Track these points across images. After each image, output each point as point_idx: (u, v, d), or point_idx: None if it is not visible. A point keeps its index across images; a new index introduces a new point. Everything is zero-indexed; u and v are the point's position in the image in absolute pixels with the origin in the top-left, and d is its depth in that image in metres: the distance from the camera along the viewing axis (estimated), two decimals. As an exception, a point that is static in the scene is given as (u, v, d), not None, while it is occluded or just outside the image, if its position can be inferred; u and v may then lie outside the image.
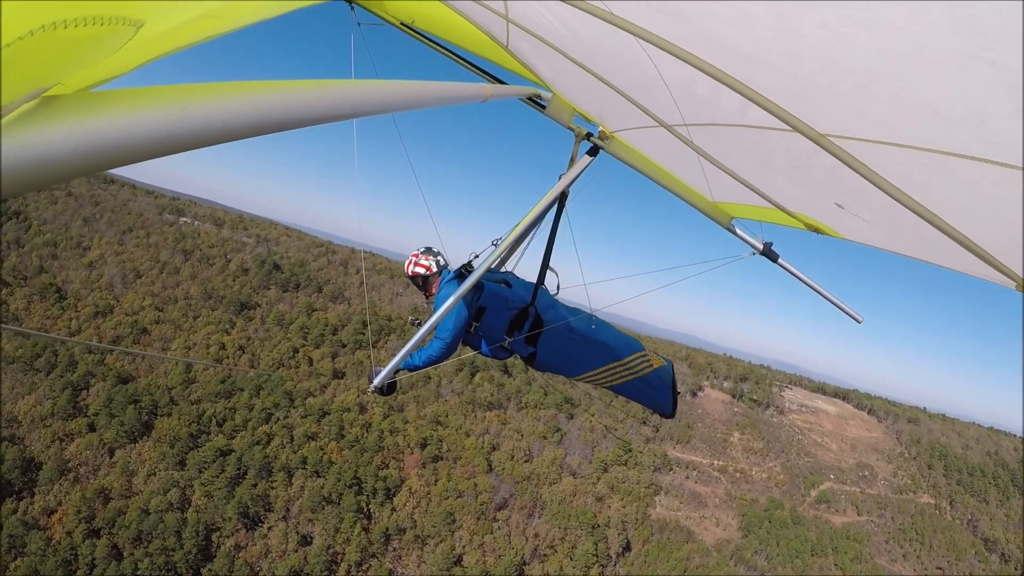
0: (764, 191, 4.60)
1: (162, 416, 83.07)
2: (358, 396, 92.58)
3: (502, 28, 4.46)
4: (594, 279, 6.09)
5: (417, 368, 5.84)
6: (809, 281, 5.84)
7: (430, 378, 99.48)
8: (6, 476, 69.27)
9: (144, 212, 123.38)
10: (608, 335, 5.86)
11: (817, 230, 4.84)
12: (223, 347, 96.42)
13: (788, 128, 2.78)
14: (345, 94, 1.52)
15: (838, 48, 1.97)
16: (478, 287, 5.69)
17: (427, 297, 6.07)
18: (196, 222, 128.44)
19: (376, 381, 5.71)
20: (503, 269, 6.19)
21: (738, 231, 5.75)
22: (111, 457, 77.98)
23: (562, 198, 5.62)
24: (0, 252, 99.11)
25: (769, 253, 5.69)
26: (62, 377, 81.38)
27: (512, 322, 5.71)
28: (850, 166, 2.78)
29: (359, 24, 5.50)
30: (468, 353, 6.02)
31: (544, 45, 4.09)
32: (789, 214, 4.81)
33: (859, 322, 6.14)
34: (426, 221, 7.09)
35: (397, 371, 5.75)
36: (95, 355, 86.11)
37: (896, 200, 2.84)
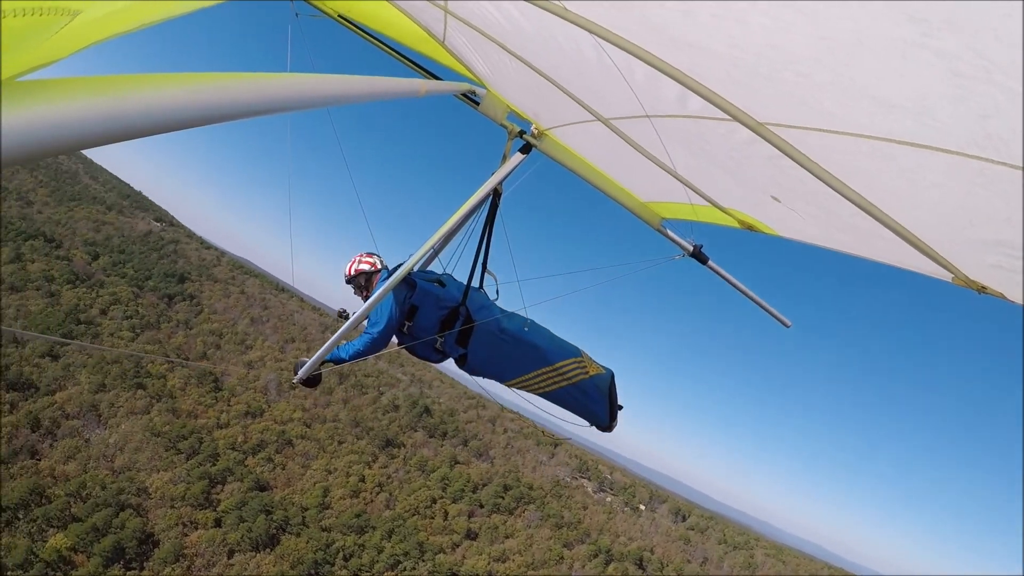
0: (698, 186, 4.57)
1: (290, 534, 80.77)
2: (488, 563, 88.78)
3: (440, 22, 4.44)
4: (529, 278, 6.02)
5: (343, 361, 5.73)
6: (739, 285, 5.85)
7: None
8: (123, 543, 68.51)
9: (308, 326, 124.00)
10: (541, 338, 5.70)
11: (751, 227, 4.79)
12: (363, 479, 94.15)
13: (727, 117, 2.77)
14: (273, 87, 1.50)
15: (781, 36, 1.97)
16: (410, 285, 5.59)
17: (364, 299, 5.94)
18: None
19: (300, 373, 5.62)
20: (442, 271, 6.03)
21: (668, 233, 5.69)
22: (229, 558, 75.75)
23: (495, 196, 5.59)
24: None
25: (699, 255, 5.63)
26: (201, 465, 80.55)
27: (443, 322, 5.59)
28: (788, 155, 2.78)
29: (296, 15, 5.59)
30: (393, 349, 5.84)
31: (482, 38, 4.08)
32: (723, 211, 4.76)
33: (787, 327, 6.11)
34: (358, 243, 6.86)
35: (322, 363, 5.62)
36: (238, 453, 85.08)
37: (834, 189, 2.83)
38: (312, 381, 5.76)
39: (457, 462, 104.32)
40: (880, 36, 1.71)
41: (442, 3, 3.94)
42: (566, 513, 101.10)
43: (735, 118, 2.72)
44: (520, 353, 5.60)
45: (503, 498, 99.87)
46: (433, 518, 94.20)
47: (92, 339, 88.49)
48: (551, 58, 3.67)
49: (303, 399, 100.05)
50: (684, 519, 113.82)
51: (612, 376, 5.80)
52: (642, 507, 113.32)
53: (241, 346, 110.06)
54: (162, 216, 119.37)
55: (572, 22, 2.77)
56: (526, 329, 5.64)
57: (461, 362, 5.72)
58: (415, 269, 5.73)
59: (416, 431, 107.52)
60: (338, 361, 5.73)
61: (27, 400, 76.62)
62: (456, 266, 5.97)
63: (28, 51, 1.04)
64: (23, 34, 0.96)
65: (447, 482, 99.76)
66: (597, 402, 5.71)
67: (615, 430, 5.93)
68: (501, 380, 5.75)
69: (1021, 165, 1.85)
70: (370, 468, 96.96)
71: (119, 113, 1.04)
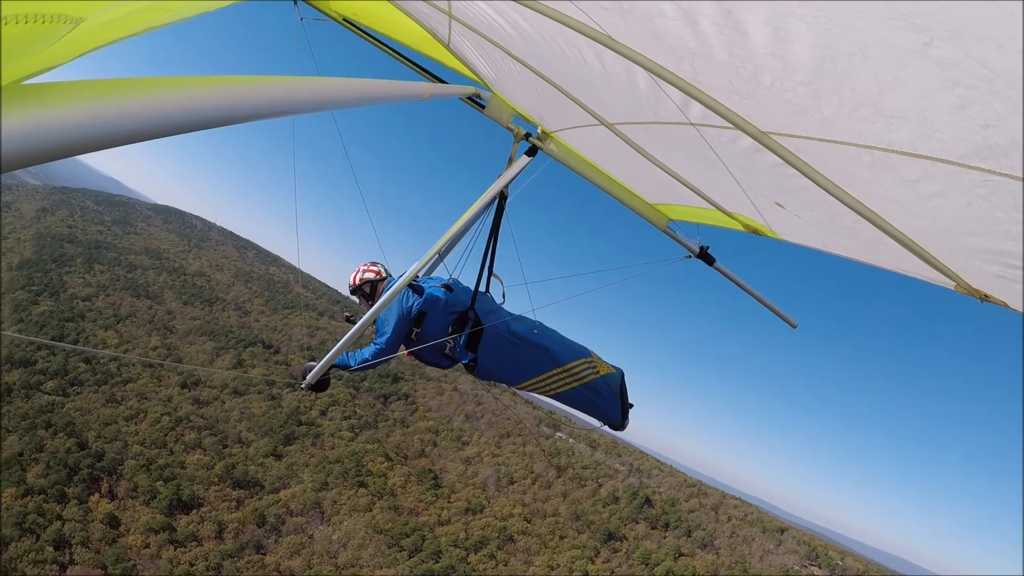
0: (703, 191, 4.57)
1: None
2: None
3: (445, 26, 4.44)
4: (536, 280, 6.02)
5: (350, 368, 5.81)
6: (745, 285, 5.87)
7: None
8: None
9: (522, 420, 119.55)
10: (551, 340, 5.69)
11: (756, 231, 4.81)
12: (586, 575, 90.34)
13: (730, 126, 2.77)
14: (276, 91, 1.50)
15: (782, 45, 1.96)
16: (418, 292, 5.61)
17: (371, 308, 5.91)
18: (571, 440, 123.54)
19: (308, 378, 5.73)
20: (449, 276, 6.05)
21: (675, 234, 5.74)
22: None
23: (501, 199, 5.58)
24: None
25: (705, 256, 5.70)
26: (424, 563, 79.40)
27: (452, 327, 5.59)
28: (792, 164, 2.77)
29: (301, 19, 5.59)
30: (402, 354, 5.87)
31: (486, 43, 4.08)
32: (728, 214, 4.78)
33: (794, 327, 6.18)
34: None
35: (330, 368, 5.72)
36: (461, 550, 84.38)
37: (836, 198, 2.83)
38: (320, 386, 5.85)
39: (682, 554, 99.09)
40: (881, 45, 1.69)
41: (446, 8, 3.94)
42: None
43: (737, 127, 2.72)
44: (531, 356, 5.58)
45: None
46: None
47: (313, 440, 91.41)
48: (555, 64, 3.67)
49: (522, 494, 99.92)
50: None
51: (622, 375, 5.78)
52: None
53: (457, 442, 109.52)
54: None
55: (574, 29, 2.76)
56: (535, 332, 5.63)
57: (471, 367, 5.71)
58: (421, 274, 5.74)
59: (637, 523, 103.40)
60: (346, 367, 5.78)
61: (253, 497, 78.83)
62: (462, 270, 5.96)
63: (30, 57, 1.04)
64: (25, 40, 0.96)
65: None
66: (609, 401, 5.69)
67: (626, 429, 5.94)
68: (512, 383, 5.75)
69: (1022, 176, 1.83)
70: (593, 563, 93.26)
71: (122, 116, 1.03)
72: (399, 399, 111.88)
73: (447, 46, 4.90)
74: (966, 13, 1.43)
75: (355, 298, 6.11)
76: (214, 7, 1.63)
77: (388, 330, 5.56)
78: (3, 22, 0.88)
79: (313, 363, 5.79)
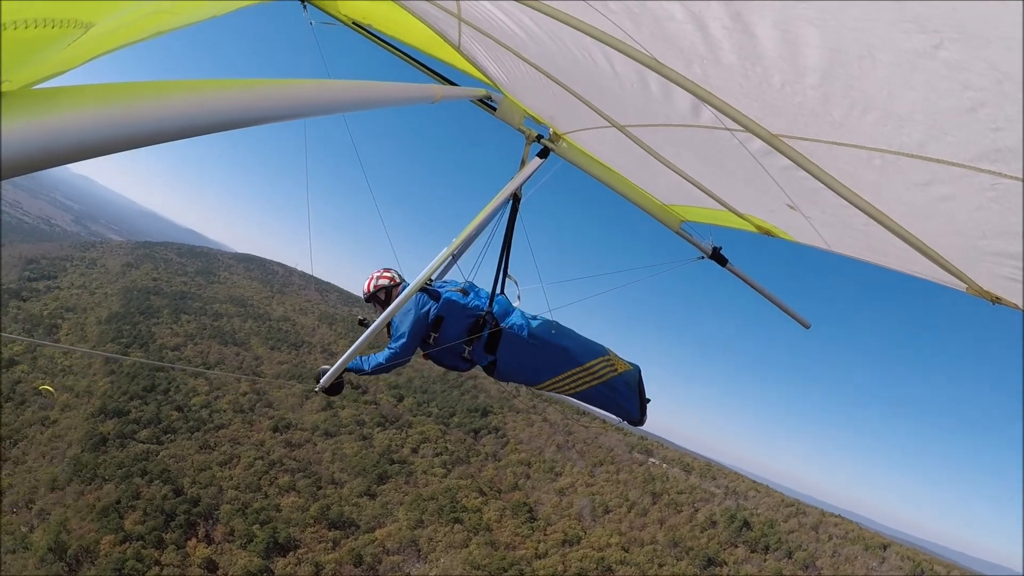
0: (715, 192, 4.57)
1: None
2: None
3: (454, 28, 4.45)
4: (551, 281, 6.07)
5: (364, 372, 5.82)
6: (758, 286, 5.86)
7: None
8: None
9: (614, 448, 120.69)
10: (569, 340, 5.72)
11: (768, 232, 4.81)
12: None
13: (740, 128, 2.77)
14: (286, 94, 1.50)
15: (792, 48, 1.95)
16: (434, 296, 5.64)
17: None
18: (664, 465, 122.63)
19: (323, 381, 5.73)
20: (464, 279, 6.09)
21: (688, 235, 5.75)
22: None
23: (515, 201, 5.62)
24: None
25: (718, 257, 5.71)
26: None
27: (470, 330, 5.61)
28: (802, 167, 2.77)
29: (311, 23, 5.59)
30: (419, 359, 5.92)
31: (496, 45, 4.09)
32: (740, 216, 4.78)
33: (807, 327, 6.19)
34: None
35: (344, 371, 5.73)
36: None
37: (848, 201, 2.83)
38: (334, 389, 5.86)
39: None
40: (891, 48, 1.68)
41: (455, 11, 3.95)
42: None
43: (748, 129, 2.72)
44: (550, 356, 5.61)
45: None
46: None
47: (407, 478, 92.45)
48: (565, 66, 3.68)
49: (618, 523, 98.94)
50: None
51: (639, 371, 5.82)
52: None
53: (550, 474, 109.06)
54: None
55: (585, 32, 2.77)
56: (553, 332, 5.66)
57: (490, 369, 5.74)
58: (435, 278, 5.79)
59: (737, 547, 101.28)
60: (360, 371, 5.80)
61: (349, 537, 79.64)
62: (476, 273, 5.99)
63: (40, 62, 1.04)
64: (35, 45, 0.96)
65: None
66: (627, 398, 5.73)
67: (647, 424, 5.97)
68: (532, 384, 5.78)
69: None
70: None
71: (128, 120, 1.03)
72: (489, 433, 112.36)
73: (457, 48, 4.91)
74: (976, 15, 1.42)
75: (371, 305, 6.15)
76: (224, 11, 1.63)
77: (404, 334, 5.59)
78: (13, 26, 0.88)
79: (327, 367, 5.79)
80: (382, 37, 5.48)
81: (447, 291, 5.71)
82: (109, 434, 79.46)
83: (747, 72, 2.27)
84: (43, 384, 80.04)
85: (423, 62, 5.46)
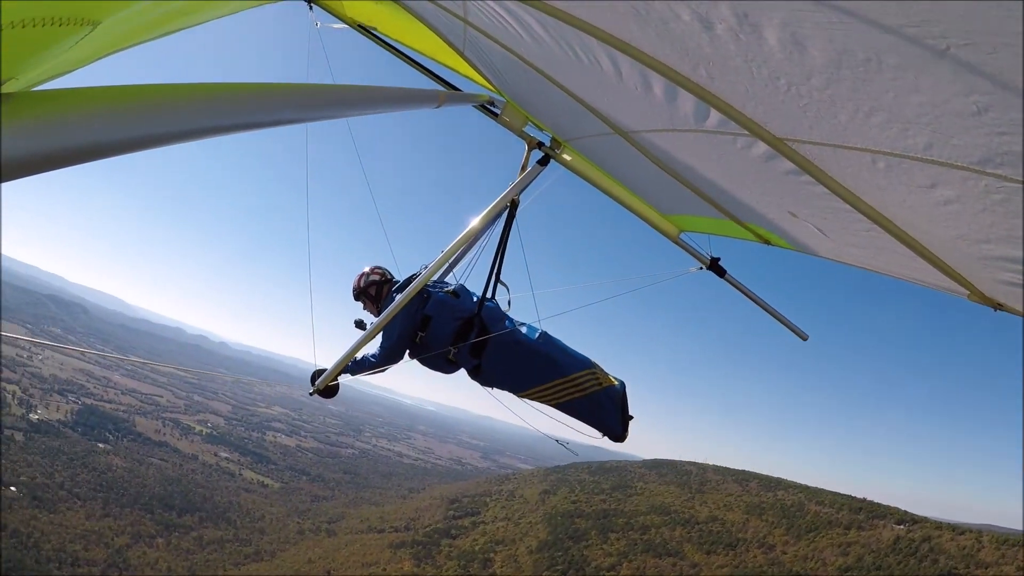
0: (717, 200, 4.58)
1: None
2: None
3: (459, 32, 4.47)
4: (544, 291, 6.12)
5: (358, 372, 5.83)
6: (756, 298, 5.86)
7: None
8: None
9: None
10: (556, 350, 5.70)
11: (768, 242, 4.80)
12: None
13: (745, 132, 2.76)
14: (293, 97, 1.50)
15: (798, 50, 1.95)
16: (423, 296, 5.65)
17: (376, 312, 6.05)
18: None
19: (318, 383, 5.76)
20: (456, 282, 6.09)
21: (687, 245, 5.77)
22: None
23: (512, 207, 5.62)
24: None
25: (717, 268, 5.70)
26: None
27: (458, 332, 5.61)
28: (806, 170, 2.77)
29: (317, 25, 5.63)
30: (404, 361, 5.90)
31: (501, 49, 4.11)
32: (741, 224, 4.77)
33: (804, 339, 6.19)
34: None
35: (339, 374, 5.75)
36: None
37: (850, 204, 2.83)
38: (329, 392, 5.87)
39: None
40: (897, 50, 1.68)
41: (461, 12, 3.96)
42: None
43: (753, 132, 2.71)
44: (535, 364, 5.60)
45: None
46: None
47: None
48: (570, 71, 3.68)
49: None
50: None
51: (624, 387, 5.79)
52: None
53: None
54: (902, 517, 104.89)
55: (591, 34, 2.77)
56: (540, 341, 5.65)
57: (475, 373, 5.73)
58: (431, 280, 5.76)
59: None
60: (354, 372, 5.81)
61: None
62: (468, 278, 6.04)
63: (46, 61, 1.04)
64: (39, 44, 0.96)
65: None
66: (610, 413, 5.70)
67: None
68: (515, 391, 5.76)
69: None
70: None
71: (130, 123, 1.03)
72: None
73: (462, 53, 4.94)
74: (982, 19, 1.41)
75: (360, 302, 6.17)
76: (230, 11, 1.62)
77: (392, 334, 5.60)
78: (21, 24, 0.88)
79: (323, 368, 5.81)
80: (387, 40, 5.50)
81: (437, 292, 5.73)
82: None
83: (753, 74, 2.27)
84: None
85: (427, 66, 5.48)
